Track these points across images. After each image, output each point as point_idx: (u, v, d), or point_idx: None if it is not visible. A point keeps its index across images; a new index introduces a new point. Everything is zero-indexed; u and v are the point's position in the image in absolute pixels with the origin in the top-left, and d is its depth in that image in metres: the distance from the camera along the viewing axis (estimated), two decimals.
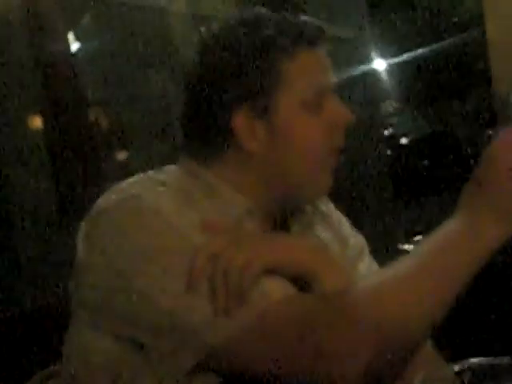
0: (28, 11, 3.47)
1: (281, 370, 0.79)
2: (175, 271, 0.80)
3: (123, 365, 0.84)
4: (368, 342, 0.76)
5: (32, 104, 3.67)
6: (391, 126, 8.67)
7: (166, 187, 0.89)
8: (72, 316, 0.91)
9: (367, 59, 5.87)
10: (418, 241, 3.63)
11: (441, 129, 8.91)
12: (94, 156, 3.60)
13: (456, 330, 0.79)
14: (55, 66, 3.46)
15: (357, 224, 1.11)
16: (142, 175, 0.93)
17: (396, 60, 7.74)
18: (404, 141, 8.69)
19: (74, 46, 4.05)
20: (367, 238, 1.10)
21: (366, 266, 1.05)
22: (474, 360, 0.66)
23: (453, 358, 0.69)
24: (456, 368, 0.66)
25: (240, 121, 0.91)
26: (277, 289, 0.82)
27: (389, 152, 7.23)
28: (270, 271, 0.82)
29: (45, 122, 3.68)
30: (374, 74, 6.32)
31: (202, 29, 0.96)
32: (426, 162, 8.25)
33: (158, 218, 0.84)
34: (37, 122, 3.76)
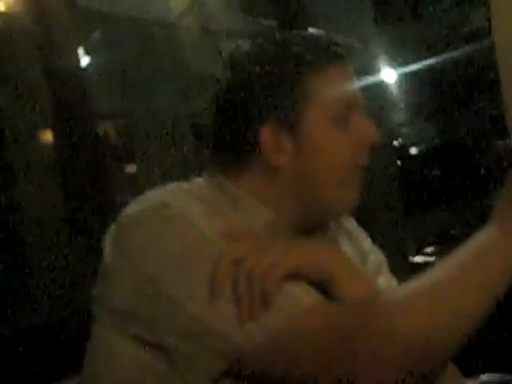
0: (38, 26, 3.50)
1: (308, 376, 0.79)
2: (203, 277, 0.81)
3: (148, 370, 0.84)
4: (402, 353, 0.76)
5: (42, 118, 3.70)
6: (401, 136, 8.66)
7: (194, 197, 0.90)
8: (94, 321, 0.90)
9: (377, 70, 5.87)
10: (428, 252, 3.61)
11: (451, 139, 8.88)
12: (103, 169, 3.62)
13: (468, 346, 0.77)
14: (65, 80, 3.49)
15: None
16: (170, 185, 0.94)
17: (406, 70, 7.74)
18: (414, 151, 8.67)
19: (84, 61, 4.09)
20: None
21: (385, 280, 1.05)
22: (485, 376, 0.65)
23: (465, 374, 0.69)
24: None
25: (267, 134, 0.92)
26: (306, 295, 0.81)
27: (399, 162, 7.21)
28: (293, 276, 0.82)
29: (55, 136, 3.70)
30: (383, 84, 6.32)
31: (232, 44, 0.98)
32: (436, 173, 8.23)
33: (187, 225, 0.84)
34: (47, 136, 3.79)
